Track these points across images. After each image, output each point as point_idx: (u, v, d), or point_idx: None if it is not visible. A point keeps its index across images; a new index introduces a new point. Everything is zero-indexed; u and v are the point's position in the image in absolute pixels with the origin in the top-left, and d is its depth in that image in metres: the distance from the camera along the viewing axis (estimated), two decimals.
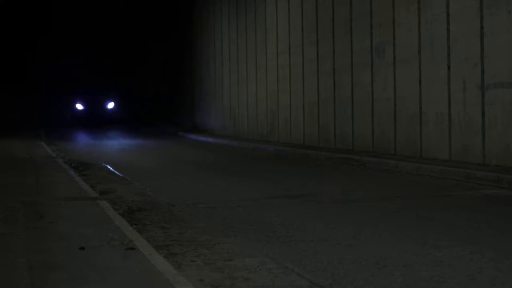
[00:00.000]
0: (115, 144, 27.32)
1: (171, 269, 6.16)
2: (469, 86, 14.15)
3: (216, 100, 31.36)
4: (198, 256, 7.02)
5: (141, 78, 44.78)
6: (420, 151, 15.85)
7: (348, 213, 9.75)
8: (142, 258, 6.62)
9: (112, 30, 46.05)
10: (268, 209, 10.18)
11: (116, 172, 15.88)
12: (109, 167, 17.08)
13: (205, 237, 8.02)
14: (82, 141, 29.15)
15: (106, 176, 14.95)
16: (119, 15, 45.04)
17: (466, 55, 14.21)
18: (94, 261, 6.56)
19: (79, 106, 41.64)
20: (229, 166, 17.90)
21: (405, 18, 16.30)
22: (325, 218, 9.33)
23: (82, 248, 7.03)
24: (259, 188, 12.81)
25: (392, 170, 15.12)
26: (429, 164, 14.45)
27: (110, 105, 42.19)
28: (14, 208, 9.81)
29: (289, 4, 22.90)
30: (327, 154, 18.64)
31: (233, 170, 16.67)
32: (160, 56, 41.58)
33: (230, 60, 29.26)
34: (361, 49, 18.30)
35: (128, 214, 9.68)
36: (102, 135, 32.91)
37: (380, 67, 17.45)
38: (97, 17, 45.54)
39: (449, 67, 14.77)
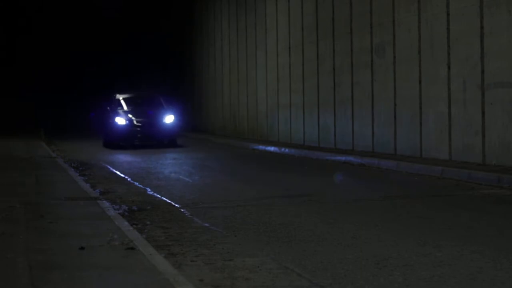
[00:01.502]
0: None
1: (171, 269, 6.16)
2: (469, 86, 14.15)
3: (216, 99, 31.36)
4: (198, 256, 7.02)
5: (141, 78, 44.75)
6: (420, 151, 15.84)
7: (348, 213, 9.75)
8: (142, 258, 6.62)
9: (111, 30, 46.04)
10: (268, 209, 10.18)
11: (116, 172, 15.88)
12: (109, 167, 17.08)
13: (205, 237, 8.02)
14: (81, 140, 29.13)
15: (107, 176, 14.95)
16: (118, 14, 45.05)
17: (466, 55, 14.20)
18: (94, 261, 6.56)
19: (120, 120, 24.59)
20: (229, 166, 17.89)
21: (405, 18, 16.30)
22: (325, 218, 9.33)
23: (82, 248, 7.04)
24: (259, 188, 12.81)
25: (392, 170, 15.12)
26: (429, 164, 14.45)
27: (169, 119, 25.19)
28: (14, 208, 9.82)
29: (289, 4, 22.89)
30: (327, 154, 18.63)
31: (233, 170, 16.66)
32: (160, 56, 41.55)
33: (230, 60, 29.26)
34: (361, 49, 18.30)
35: (128, 214, 9.68)
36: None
37: (380, 67, 17.44)
38: (97, 17, 45.54)
39: (449, 67, 14.77)
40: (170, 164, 18.25)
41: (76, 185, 12.70)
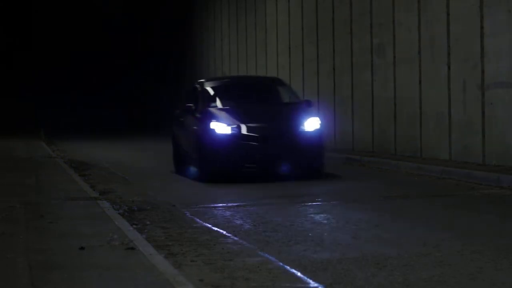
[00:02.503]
0: (117, 145, 27.30)
1: (171, 269, 6.16)
2: (469, 86, 14.15)
3: None
4: (198, 256, 7.02)
5: (141, 78, 44.79)
6: (420, 151, 15.84)
7: (348, 213, 9.74)
8: (142, 258, 6.62)
9: (111, 30, 46.04)
10: (268, 209, 10.18)
11: (116, 172, 15.86)
12: (109, 167, 17.07)
13: (205, 237, 8.02)
14: (82, 141, 29.12)
15: (106, 176, 14.94)
16: (118, 15, 45.04)
17: (466, 55, 14.20)
18: (94, 261, 6.56)
19: (220, 127, 13.40)
20: None
21: (405, 18, 16.29)
22: (325, 218, 9.33)
23: (82, 248, 7.04)
24: (259, 187, 12.80)
25: (392, 170, 15.11)
26: (429, 164, 14.44)
27: (311, 124, 13.89)
28: (14, 208, 9.82)
29: (289, 4, 22.90)
30: (327, 154, 18.60)
31: None
32: (160, 56, 41.58)
33: (230, 60, 29.26)
34: (361, 49, 18.29)
35: (128, 214, 9.68)
36: (99, 137, 32.88)
37: (380, 67, 17.44)
38: (97, 17, 45.52)
39: (449, 67, 14.77)
40: (170, 166, 17.81)
41: (76, 185, 12.69)
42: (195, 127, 14.12)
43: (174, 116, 16.37)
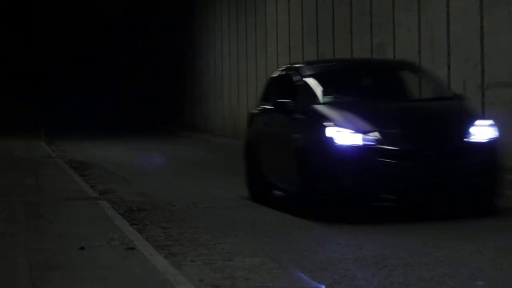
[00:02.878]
0: (117, 145, 27.30)
1: (171, 269, 6.17)
2: (469, 86, 14.14)
3: (216, 100, 31.37)
4: (198, 256, 7.02)
5: (141, 78, 44.82)
6: None
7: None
8: (142, 258, 6.62)
9: (111, 30, 46.05)
10: (268, 210, 10.17)
11: (116, 172, 15.86)
12: (109, 167, 17.06)
13: (205, 237, 8.03)
14: (82, 141, 29.11)
15: (106, 176, 14.93)
16: (118, 15, 45.05)
17: (466, 55, 14.20)
18: (94, 261, 6.57)
19: (343, 135, 8.51)
20: (230, 165, 17.88)
21: (405, 18, 16.29)
22: (325, 217, 9.33)
23: (82, 248, 7.04)
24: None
25: None
26: None
27: (482, 131, 8.96)
28: (14, 208, 9.82)
29: (289, 4, 22.90)
30: None
31: (233, 169, 16.64)
32: (160, 55, 41.59)
33: (230, 60, 29.26)
34: (361, 49, 18.28)
35: (128, 214, 9.67)
36: (100, 136, 32.89)
37: None
38: (97, 17, 45.53)
39: (449, 67, 14.76)
40: (170, 166, 17.91)
41: (76, 185, 12.69)
42: (296, 135, 9.46)
43: (251, 118, 11.81)
